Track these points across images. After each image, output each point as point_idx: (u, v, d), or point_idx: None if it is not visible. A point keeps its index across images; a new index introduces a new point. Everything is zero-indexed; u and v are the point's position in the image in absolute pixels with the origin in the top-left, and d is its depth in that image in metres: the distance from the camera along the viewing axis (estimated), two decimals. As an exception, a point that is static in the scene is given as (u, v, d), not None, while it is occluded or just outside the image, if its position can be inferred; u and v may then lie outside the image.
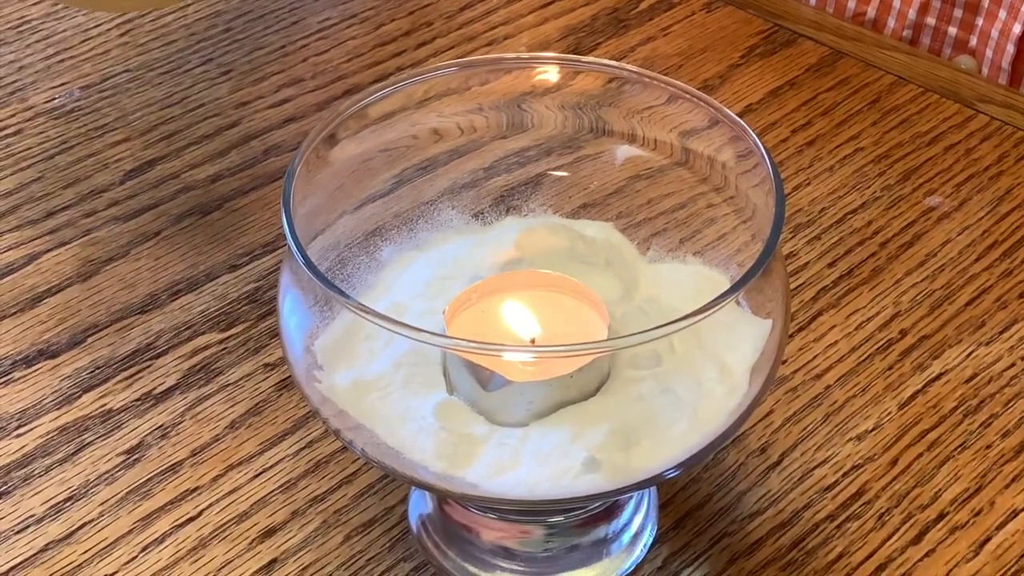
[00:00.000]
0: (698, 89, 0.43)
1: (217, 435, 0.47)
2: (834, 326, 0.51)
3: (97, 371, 0.50)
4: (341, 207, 0.44)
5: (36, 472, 0.46)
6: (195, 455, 0.46)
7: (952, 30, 0.66)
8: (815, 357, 0.50)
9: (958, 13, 0.66)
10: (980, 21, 0.65)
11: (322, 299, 0.39)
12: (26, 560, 0.43)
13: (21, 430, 0.47)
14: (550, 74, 0.45)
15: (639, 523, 0.44)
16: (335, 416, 0.38)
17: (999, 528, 0.44)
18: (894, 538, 0.44)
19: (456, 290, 0.42)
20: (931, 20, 0.66)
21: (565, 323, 0.41)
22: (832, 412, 0.48)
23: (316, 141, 0.40)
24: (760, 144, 0.40)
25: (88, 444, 0.47)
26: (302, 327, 0.39)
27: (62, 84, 0.63)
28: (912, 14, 0.66)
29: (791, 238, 0.55)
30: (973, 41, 0.66)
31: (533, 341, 0.40)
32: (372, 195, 0.45)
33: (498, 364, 0.38)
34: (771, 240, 0.37)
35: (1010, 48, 0.64)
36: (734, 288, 0.36)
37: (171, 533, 0.44)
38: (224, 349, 0.50)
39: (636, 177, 0.46)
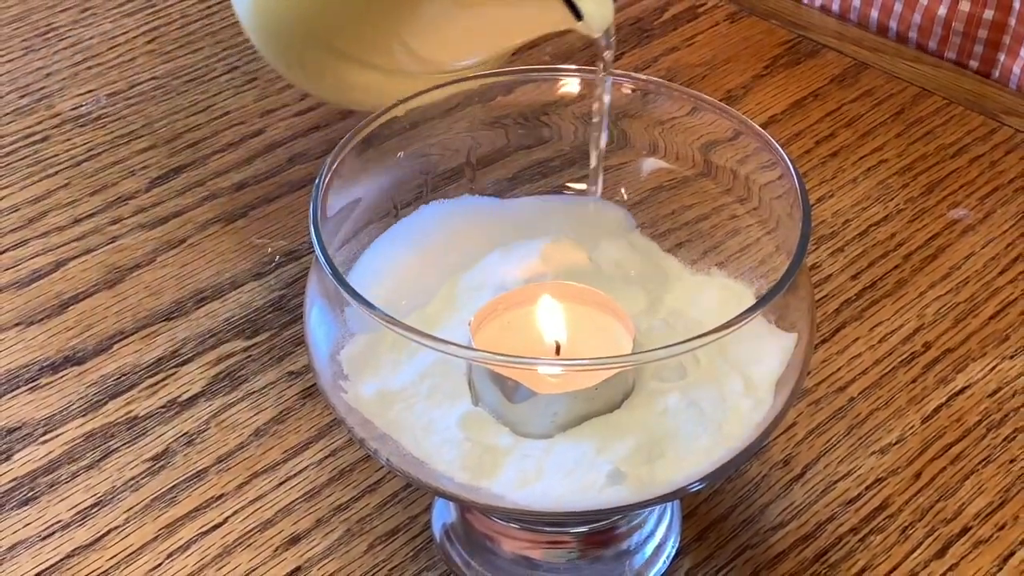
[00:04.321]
0: (721, 100, 0.43)
1: (242, 442, 0.47)
2: (857, 338, 0.51)
3: (123, 378, 0.50)
4: (367, 217, 0.44)
5: (62, 478, 0.46)
6: (220, 462, 0.47)
7: (973, 64, 0.66)
8: (838, 369, 0.50)
9: (978, 49, 0.66)
10: (1002, 57, 0.65)
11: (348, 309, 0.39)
12: (52, 566, 0.44)
13: (47, 436, 0.48)
14: (573, 86, 0.45)
15: (662, 534, 0.44)
16: (360, 426, 0.39)
17: (1023, 543, 0.44)
18: (917, 552, 0.44)
19: (482, 301, 0.42)
20: (951, 55, 0.66)
21: (590, 335, 0.41)
22: (855, 425, 0.48)
23: (344, 151, 0.41)
24: (785, 155, 0.40)
25: (114, 451, 0.47)
26: (328, 337, 0.39)
27: (89, 91, 0.64)
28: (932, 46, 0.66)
29: (814, 250, 0.55)
30: (995, 75, 0.66)
31: (558, 353, 0.40)
32: (398, 204, 0.45)
33: (523, 376, 0.38)
34: (797, 255, 0.37)
35: None
36: (761, 302, 0.36)
37: (196, 540, 0.44)
38: (249, 357, 0.51)
39: (659, 188, 0.46)
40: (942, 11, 0.65)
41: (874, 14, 0.67)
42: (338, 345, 0.40)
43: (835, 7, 0.70)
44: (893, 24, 0.67)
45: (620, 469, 0.37)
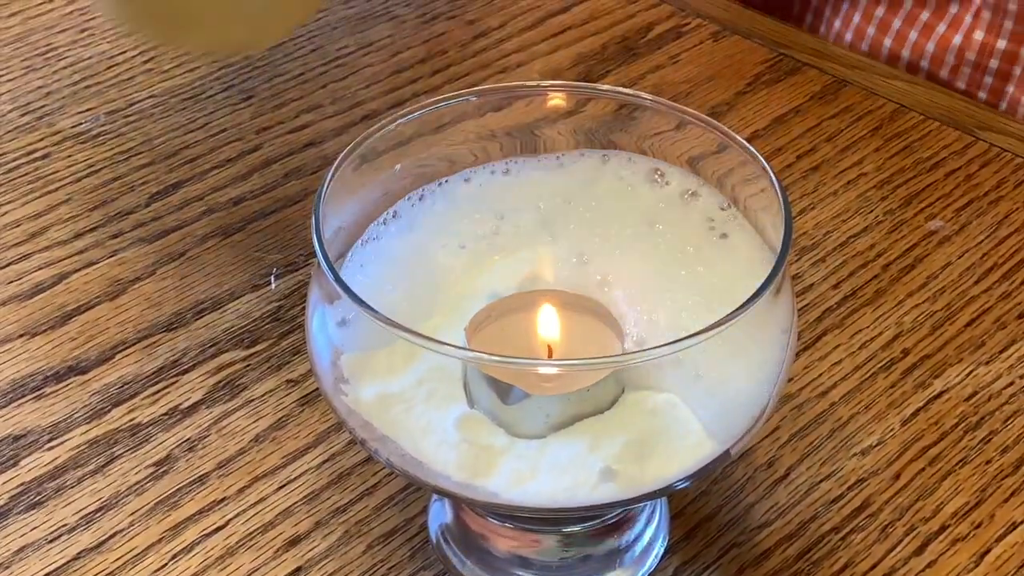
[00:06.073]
0: (706, 116, 0.45)
1: (242, 448, 0.49)
2: (838, 345, 0.53)
3: (125, 387, 0.51)
4: (362, 230, 0.45)
5: (68, 483, 0.47)
6: (221, 467, 0.48)
7: (981, 95, 0.68)
8: (820, 375, 0.52)
9: (988, 80, 0.67)
10: (1011, 89, 0.66)
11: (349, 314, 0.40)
12: (59, 568, 0.45)
13: (53, 443, 0.49)
14: (563, 100, 0.47)
15: (651, 534, 0.45)
16: (361, 427, 0.40)
17: (999, 540, 0.46)
18: (897, 549, 0.45)
19: (475, 308, 0.43)
20: (960, 84, 0.68)
21: (581, 339, 0.42)
22: (837, 428, 0.50)
23: (345, 162, 0.42)
24: (768, 167, 0.42)
25: (118, 456, 0.48)
26: (329, 342, 0.41)
27: (88, 109, 0.65)
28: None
29: (796, 260, 0.57)
30: (1002, 107, 0.68)
31: (551, 356, 0.42)
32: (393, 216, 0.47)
33: (517, 378, 0.39)
34: (779, 259, 0.38)
35: None
36: (744, 306, 0.37)
37: (199, 542, 0.46)
38: (248, 366, 0.52)
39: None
40: (957, 39, 0.66)
41: (887, 42, 0.69)
42: (339, 350, 0.41)
43: (848, 36, 0.71)
44: (906, 53, 0.69)
45: (611, 467, 0.38)
